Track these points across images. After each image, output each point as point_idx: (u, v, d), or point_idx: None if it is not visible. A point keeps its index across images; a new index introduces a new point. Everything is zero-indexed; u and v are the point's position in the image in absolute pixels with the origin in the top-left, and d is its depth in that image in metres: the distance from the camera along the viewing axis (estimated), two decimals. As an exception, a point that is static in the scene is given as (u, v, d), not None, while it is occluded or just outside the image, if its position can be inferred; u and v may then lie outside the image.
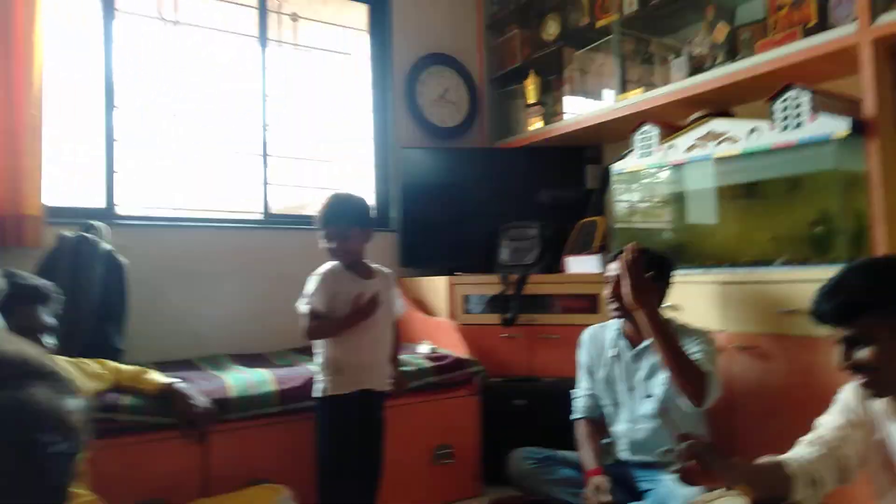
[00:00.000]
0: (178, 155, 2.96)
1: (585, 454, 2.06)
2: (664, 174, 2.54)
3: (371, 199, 3.46)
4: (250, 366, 2.43)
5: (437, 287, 2.94)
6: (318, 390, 2.04)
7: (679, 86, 2.56)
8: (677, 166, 2.46)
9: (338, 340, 2.01)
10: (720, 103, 2.48)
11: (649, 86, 2.79)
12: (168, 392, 1.94)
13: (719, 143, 2.27)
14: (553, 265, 2.93)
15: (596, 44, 3.04)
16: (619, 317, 2.07)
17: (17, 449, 0.66)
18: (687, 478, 1.32)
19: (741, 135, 2.20)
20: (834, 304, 1.22)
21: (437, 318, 2.85)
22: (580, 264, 2.83)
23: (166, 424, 1.91)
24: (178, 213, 2.95)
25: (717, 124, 2.29)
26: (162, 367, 2.28)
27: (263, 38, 3.19)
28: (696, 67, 2.56)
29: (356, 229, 2.02)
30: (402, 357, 2.36)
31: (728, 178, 2.35)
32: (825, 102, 2.02)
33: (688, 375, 1.80)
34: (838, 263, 1.69)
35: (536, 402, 2.57)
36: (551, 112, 3.32)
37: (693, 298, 2.25)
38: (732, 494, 1.34)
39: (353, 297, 1.99)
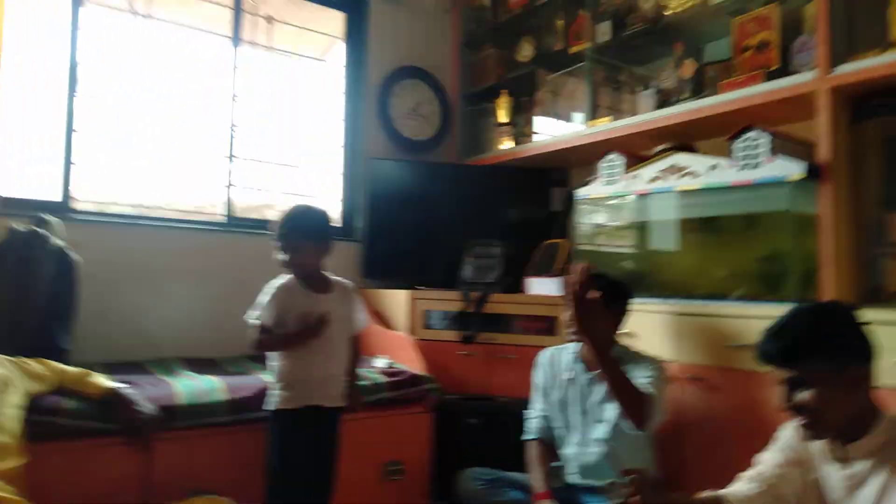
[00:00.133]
0: (141, 151, 2.90)
1: (535, 476, 2.07)
2: (627, 202, 2.59)
3: (337, 209, 3.45)
4: (202, 372, 2.38)
5: (398, 300, 2.93)
6: (270, 403, 2.01)
7: (646, 117, 2.61)
8: (640, 196, 2.50)
9: (289, 354, 1.99)
10: (684, 137, 2.54)
11: (618, 112, 2.84)
12: (113, 397, 1.89)
13: (681, 176, 2.32)
14: (515, 285, 2.95)
15: (569, 69, 3.09)
16: (576, 340, 2.09)
17: None
18: (628, 510, 1.33)
19: (702, 170, 2.25)
20: (779, 346, 1.25)
21: (396, 332, 2.84)
22: (540, 286, 2.86)
23: (109, 430, 1.86)
24: (136, 211, 2.89)
25: (680, 158, 2.34)
26: (110, 369, 2.23)
27: (237, 38, 3.16)
28: (664, 100, 2.62)
29: (310, 243, 2.00)
30: (360, 372, 2.33)
31: (688, 212, 2.40)
32: (783, 145, 2.08)
33: (629, 398, 1.80)
34: (788, 302, 1.75)
35: (490, 421, 2.57)
36: (521, 132, 3.36)
37: (648, 327, 2.28)
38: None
39: (302, 315, 1.96)
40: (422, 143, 3.61)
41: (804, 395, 1.23)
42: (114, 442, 1.86)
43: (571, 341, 2.11)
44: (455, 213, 3.28)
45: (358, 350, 2.20)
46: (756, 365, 1.35)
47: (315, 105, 3.45)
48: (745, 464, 1.46)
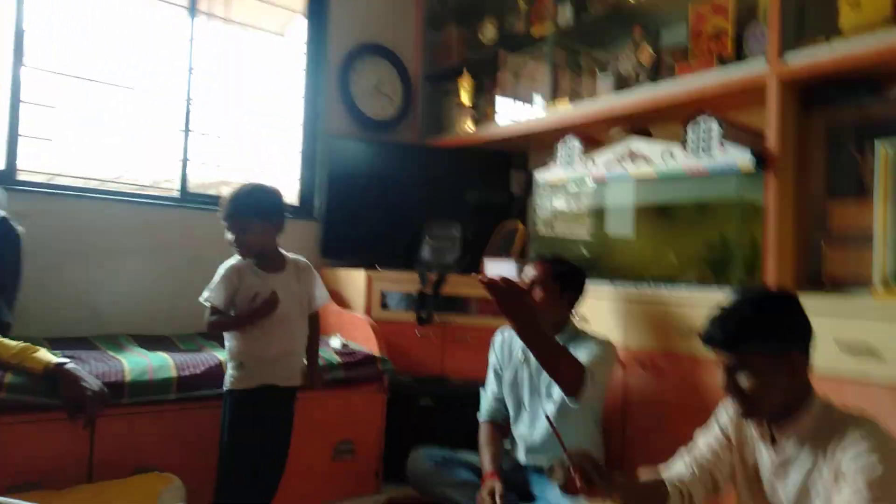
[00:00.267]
0: (93, 123, 2.82)
1: (485, 456, 2.09)
2: (584, 186, 2.61)
3: (295, 187, 3.41)
4: (152, 349, 2.34)
5: (355, 280, 2.91)
6: (226, 382, 1.99)
7: (604, 102, 2.63)
8: (597, 181, 2.53)
9: (243, 334, 1.96)
10: (640, 121, 2.56)
11: (577, 96, 2.85)
12: (56, 373, 1.84)
13: (636, 162, 2.35)
14: (473, 266, 2.96)
15: (530, 50, 3.08)
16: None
17: None
18: (569, 489, 1.36)
19: (656, 156, 2.28)
20: (722, 331, 1.28)
21: (353, 311, 2.84)
22: (497, 268, 2.87)
23: (52, 406, 1.81)
24: (87, 184, 2.81)
25: (636, 144, 2.37)
26: (56, 343, 2.18)
27: (193, 8, 3.07)
28: (621, 85, 2.63)
29: (258, 222, 1.96)
30: (320, 351, 2.26)
31: (641, 197, 2.44)
32: (733, 133, 2.12)
33: (562, 365, 1.79)
34: (732, 287, 1.79)
35: (443, 403, 2.59)
36: (483, 113, 3.35)
37: (600, 312, 2.32)
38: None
39: (251, 296, 1.94)
40: (383, 123, 3.58)
41: (743, 380, 1.27)
42: (56, 417, 1.81)
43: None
44: (415, 193, 3.27)
45: (317, 328, 2.17)
46: (700, 350, 1.38)
47: (274, 81, 3.38)
48: (685, 443, 1.51)
